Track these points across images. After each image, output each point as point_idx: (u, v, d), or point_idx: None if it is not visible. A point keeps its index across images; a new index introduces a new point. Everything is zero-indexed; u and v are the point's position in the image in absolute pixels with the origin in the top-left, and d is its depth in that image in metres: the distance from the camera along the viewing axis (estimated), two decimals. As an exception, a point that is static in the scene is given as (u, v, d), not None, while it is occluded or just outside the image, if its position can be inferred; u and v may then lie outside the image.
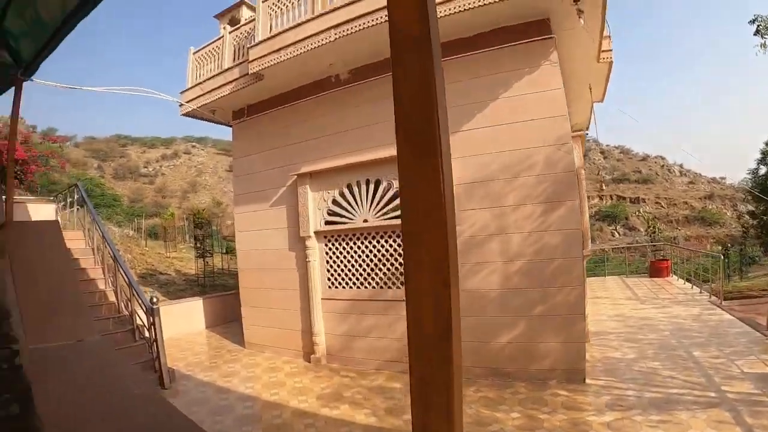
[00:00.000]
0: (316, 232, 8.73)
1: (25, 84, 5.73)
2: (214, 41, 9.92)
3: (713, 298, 12.26)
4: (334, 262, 8.60)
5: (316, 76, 8.82)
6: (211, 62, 9.90)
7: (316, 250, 8.73)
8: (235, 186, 10.49)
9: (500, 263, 6.98)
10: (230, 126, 10.72)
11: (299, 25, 7.93)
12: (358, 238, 8.34)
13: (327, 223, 8.64)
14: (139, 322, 8.12)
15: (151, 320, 7.42)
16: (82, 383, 2.70)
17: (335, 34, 7.47)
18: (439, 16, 5.56)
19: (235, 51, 9.46)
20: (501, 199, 7.03)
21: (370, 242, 8.21)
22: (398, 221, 7.66)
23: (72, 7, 3.72)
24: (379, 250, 8.10)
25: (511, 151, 6.98)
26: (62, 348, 3.13)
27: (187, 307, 11.66)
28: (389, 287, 7.97)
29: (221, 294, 12.98)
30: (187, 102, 9.83)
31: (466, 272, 7.06)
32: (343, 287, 8.47)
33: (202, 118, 10.54)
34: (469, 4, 6.57)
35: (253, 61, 8.47)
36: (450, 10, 6.69)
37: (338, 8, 7.49)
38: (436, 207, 1.00)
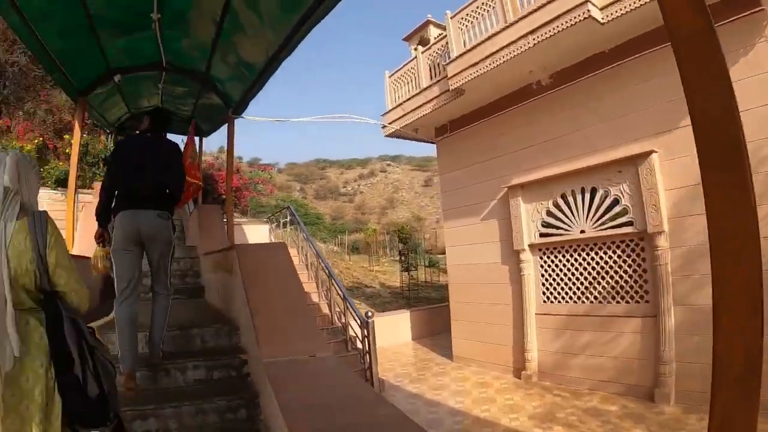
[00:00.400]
0: (530, 245, 8.45)
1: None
2: (408, 62, 10.27)
3: None
4: (549, 275, 8.23)
5: (517, 85, 8.61)
6: (407, 83, 10.25)
7: (530, 264, 8.45)
8: (443, 201, 10.69)
9: (732, 274, 6.00)
10: (433, 143, 10.98)
11: (493, 35, 7.85)
12: (575, 250, 7.87)
13: (541, 235, 8.31)
14: (351, 333, 8.56)
15: (365, 333, 7.77)
16: (322, 395, 2.75)
17: (533, 39, 7.22)
18: (632, 8, 5.55)
19: (430, 69, 9.68)
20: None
21: (587, 254, 7.70)
22: (617, 231, 7.22)
23: (274, 50, 4.09)
24: (597, 263, 7.56)
25: (738, 145, 5.98)
26: (297, 362, 3.21)
27: (395, 319, 12.08)
28: (608, 302, 7.38)
29: (428, 307, 13.28)
30: (390, 123, 10.24)
31: (693, 286, 6.34)
32: (558, 302, 8.05)
33: (405, 138, 10.92)
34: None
35: (452, 77, 8.56)
36: (635, 3, 6.29)
37: (531, 12, 7.23)
38: (745, 227, 0.95)
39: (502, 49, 7.64)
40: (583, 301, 7.70)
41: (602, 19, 6.65)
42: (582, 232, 7.69)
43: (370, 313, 7.88)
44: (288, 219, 12.59)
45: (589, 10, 6.50)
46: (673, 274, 6.54)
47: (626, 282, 7.18)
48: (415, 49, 10.49)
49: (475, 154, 9.61)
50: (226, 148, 7.49)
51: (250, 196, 16.16)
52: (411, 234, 19.51)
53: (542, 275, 8.32)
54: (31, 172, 1.97)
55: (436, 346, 11.40)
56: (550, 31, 6.97)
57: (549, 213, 8.18)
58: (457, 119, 10.02)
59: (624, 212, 7.19)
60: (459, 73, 8.40)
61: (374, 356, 7.65)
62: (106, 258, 3.69)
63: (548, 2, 6.99)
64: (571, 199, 7.86)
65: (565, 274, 7.96)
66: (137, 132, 4.17)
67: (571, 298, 7.87)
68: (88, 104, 5.95)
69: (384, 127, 10.49)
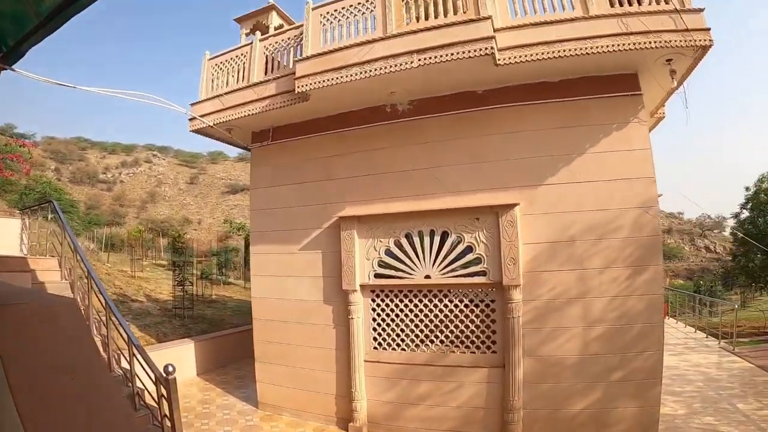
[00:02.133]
0: (362, 285, 7.50)
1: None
2: (239, 48, 8.40)
3: (722, 343, 13.23)
4: (383, 320, 7.44)
5: (369, 103, 7.64)
6: (233, 73, 8.37)
7: (360, 306, 7.51)
8: (252, 221, 8.94)
9: (580, 329, 6.45)
10: (247, 149, 9.29)
11: (368, 42, 6.70)
12: (416, 296, 7.26)
13: (377, 276, 7.45)
14: (139, 385, 6.40)
15: (163, 392, 5.74)
16: None
17: (419, 59, 6.33)
18: (537, 58, 6.20)
19: (267, 62, 8.05)
20: (585, 262, 6.50)
21: (430, 301, 7.17)
22: (468, 280, 6.75)
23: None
24: (441, 310, 7.11)
25: (597, 211, 6.48)
26: None
27: (176, 351, 9.85)
28: (451, 351, 7.02)
29: (214, 336, 11.20)
30: (202, 116, 8.24)
31: (543, 338, 6.56)
32: (393, 349, 7.34)
33: (213, 137, 8.97)
34: (561, 52, 6.10)
35: (301, 77, 7.08)
36: (537, 55, 6.19)
37: (424, 30, 6.39)
38: None
39: (376, 60, 6.55)
40: (423, 350, 7.17)
41: (500, 60, 6.21)
42: (427, 277, 7.13)
43: (171, 368, 5.89)
44: (50, 217, 9.39)
45: (492, 47, 5.98)
46: (524, 326, 6.59)
47: (473, 332, 6.94)
48: (247, 35, 8.75)
49: (301, 172, 8.31)
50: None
51: (1, 175, 12.33)
52: (186, 242, 16.92)
53: (374, 319, 7.50)
54: None
55: (230, 386, 9.67)
56: (442, 56, 6.18)
57: (389, 252, 7.41)
58: (283, 126, 8.52)
59: (477, 261, 6.90)
60: (312, 75, 6.99)
61: (179, 425, 5.80)
62: None
63: (447, 25, 6.25)
64: (417, 240, 7.24)
65: (402, 320, 7.31)
66: None
67: (408, 346, 7.25)
68: None
69: (191, 119, 8.43)
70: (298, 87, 7.10)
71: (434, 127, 7.33)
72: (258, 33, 8.23)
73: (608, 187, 6.42)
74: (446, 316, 7.07)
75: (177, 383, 5.77)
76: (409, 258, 7.25)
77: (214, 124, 8.19)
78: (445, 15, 6.47)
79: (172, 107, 7.94)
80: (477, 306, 6.94)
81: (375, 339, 7.46)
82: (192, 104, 8.52)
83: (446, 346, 7.06)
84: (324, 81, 6.92)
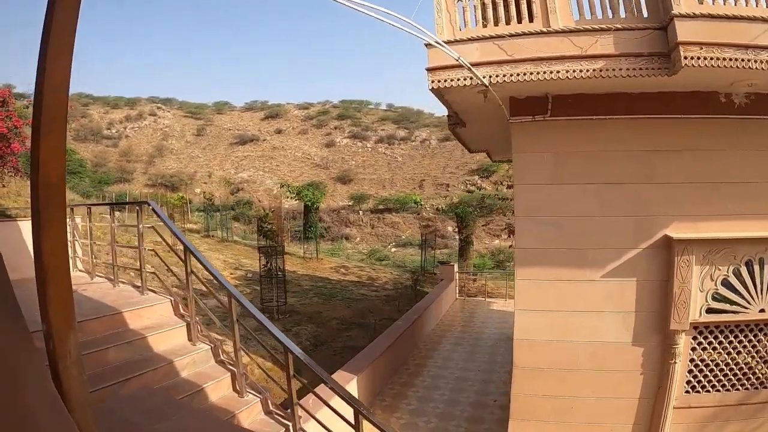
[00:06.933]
0: (690, 323, 5.96)
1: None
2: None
3: None
4: (702, 360, 6.12)
5: (703, 86, 5.72)
6: (499, 5, 5.56)
7: (682, 347, 5.99)
8: (518, 232, 6.35)
9: None
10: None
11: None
12: (742, 331, 6.09)
13: (710, 311, 5.97)
14: None
15: None
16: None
17: None
18: None
19: None
20: None
21: (755, 336, 6.10)
22: None
23: None
24: (765, 345, 6.09)
25: None
26: None
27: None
28: (765, 387, 6.17)
29: (372, 360, 7.84)
30: (474, 65, 5.23)
31: None
32: (708, 391, 6.17)
33: (448, 102, 6.06)
34: None
35: (689, 44, 4.75)
36: None
37: None
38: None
39: None
40: (738, 389, 6.17)
41: None
42: (761, 311, 5.98)
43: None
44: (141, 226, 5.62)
45: None
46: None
47: (789, 365, 6.20)
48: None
49: (605, 167, 6.05)
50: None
51: (23, 150, 7.84)
52: (275, 220, 12.30)
53: (692, 360, 6.13)
54: None
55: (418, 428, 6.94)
56: None
57: (726, 283, 5.94)
58: (570, 96, 5.92)
59: (807, 293, 6.02)
60: (706, 45, 4.76)
61: None
62: None
63: None
64: (757, 269, 5.94)
65: (724, 360, 6.13)
66: None
67: (724, 386, 6.17)
68: None
69: (439, 69, 5.43)
70: (686, 58, 4.79)
71: (770, 128, 5.89)
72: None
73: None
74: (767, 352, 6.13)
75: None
76: (747, 290, 5.96)
77: (490, 83, 5.39)
78: None
79: (448, 52, 5.06)
80: (798, 337, 6.18)
81: (688, 383, 6.17)
82: (429, 45, 5.34)
83: (761, 382, 6.17)
84: (725, 60, 4.81)
